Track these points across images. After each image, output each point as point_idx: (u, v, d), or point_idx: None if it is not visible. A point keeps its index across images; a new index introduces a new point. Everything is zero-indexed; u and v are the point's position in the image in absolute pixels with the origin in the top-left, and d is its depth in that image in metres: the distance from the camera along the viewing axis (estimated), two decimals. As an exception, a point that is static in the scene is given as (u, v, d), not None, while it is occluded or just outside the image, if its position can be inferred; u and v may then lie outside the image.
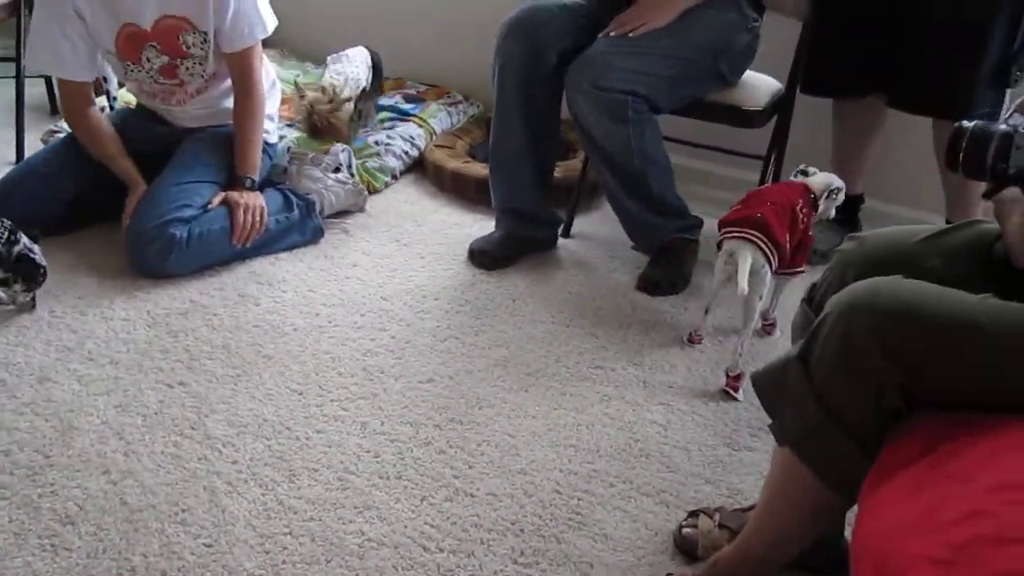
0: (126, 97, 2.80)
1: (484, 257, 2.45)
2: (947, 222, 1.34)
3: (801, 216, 2.03)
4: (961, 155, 1.21)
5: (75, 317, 2.12)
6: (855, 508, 1.11)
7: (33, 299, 2.12)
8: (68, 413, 1.80)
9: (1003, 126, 1.20)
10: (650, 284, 2.36)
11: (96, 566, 1.47)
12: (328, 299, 2.26)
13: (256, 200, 2.39)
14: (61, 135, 2.66)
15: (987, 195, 1.23)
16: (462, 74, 3.32)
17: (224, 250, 2.34)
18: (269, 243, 2.43)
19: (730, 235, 1.94)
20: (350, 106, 2.89)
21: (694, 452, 1.80)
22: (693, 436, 1.84)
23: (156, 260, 2.25)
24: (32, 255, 2.09)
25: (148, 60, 2.32)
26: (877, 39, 2.29)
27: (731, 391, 1.98)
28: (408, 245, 2.56)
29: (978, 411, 1.06)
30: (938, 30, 2.19)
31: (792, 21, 2.46)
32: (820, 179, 2.13)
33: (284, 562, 1.50)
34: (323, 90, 2.91)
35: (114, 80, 2.88)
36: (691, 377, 2.03)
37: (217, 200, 2.36)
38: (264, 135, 2.49)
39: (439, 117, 3.17)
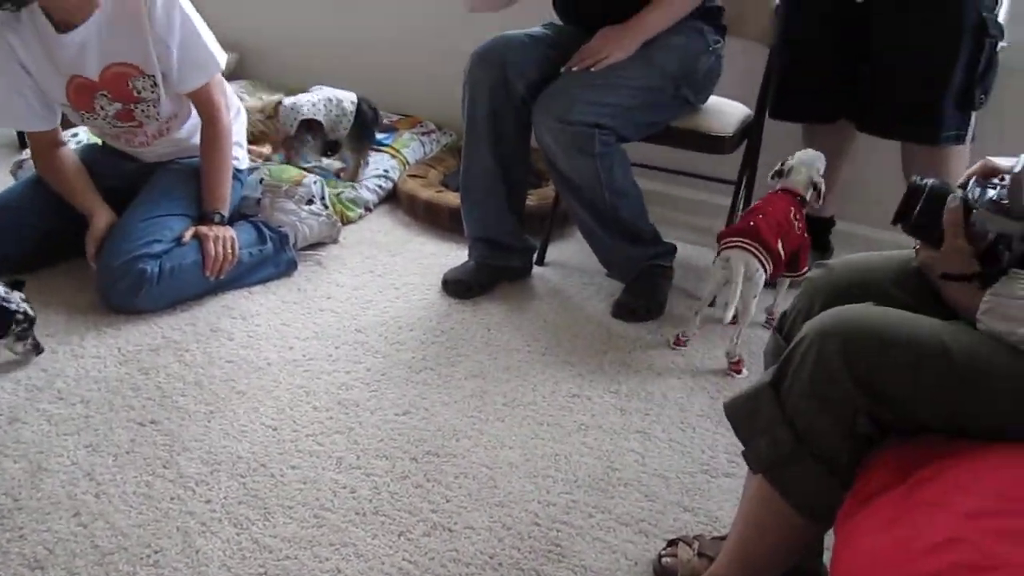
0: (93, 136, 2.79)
1: (458, 286, 2.45)
2: (915, 246, 1.36)
3: (796, 223, 2.16)
4: (916, 212, 1.23)
5: (45, 355, 2.09)
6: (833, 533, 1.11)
7: (33, 342, 2.06)
8: (37, 454, 1.78)
9: (961, 192, 1.22)
10: (625, 311, 2.37)
11: (66, 612, 1.44)
12: (302, 332, 2.24)
13: (226, 232, 2.37)
14: (29, 167, 2.64)
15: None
16: (434, 103, 3.34)
17: (197, 284, 2.32)
18: (242, 276, 2.41)
19: (727, 245, 2.09)
20: (290, 127, 2.89)
21: (672, 480, 1.79)
22: (671, 463, 1.84)
23: (126, 296, 2.23)
24: (6, 304, 2.00)
25: (102, 108, 2.31)
26: (844, 65, 2.32)
27: (734, 373, 2.15)
28: (382, 276, 2.55)
29: (949, 436, 1.06)
30: (905, 56, 2.22)
31: (760, 46, 2.49)
32: (801, 178, 2.21)
33: (259, 603, 1.48)
34: (264, 105, 2.94)
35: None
36: (667, 404, 2.03)
37: (188, 235, 2.34)
38: (234, 162, 2.48)
39: (412, 147, 3.18)
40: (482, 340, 2.24)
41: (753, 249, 2.06)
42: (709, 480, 1.80)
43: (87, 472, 1.73)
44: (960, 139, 2.26)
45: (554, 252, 2.70)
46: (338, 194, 2.85)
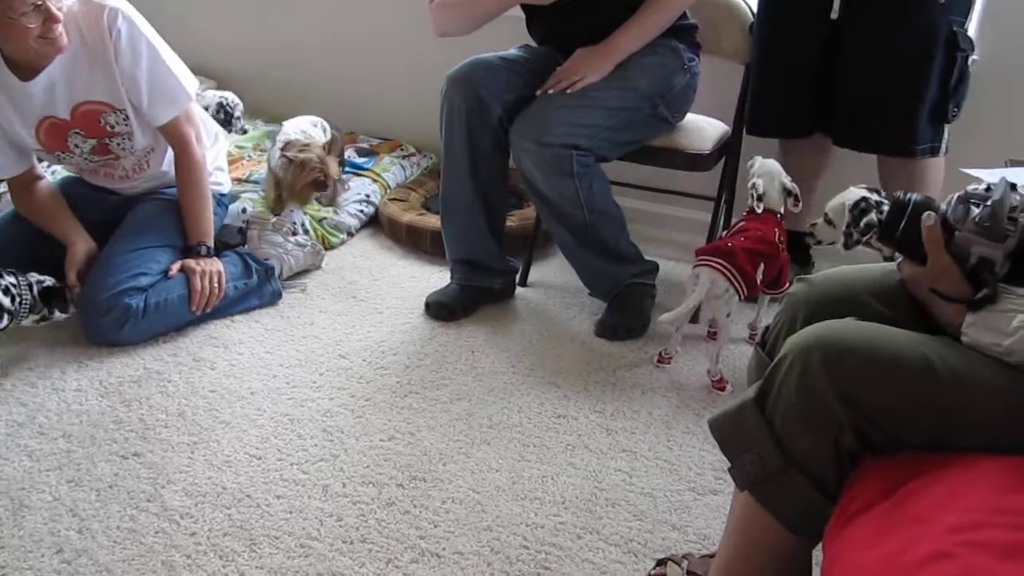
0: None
1: (441, 309, 2.44)
2: (897, 261, 1.37)
3: (781, 244, 2.19)
4: (900, 228, 1.24)
5: (24, 390, 2.07)
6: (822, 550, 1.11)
7: (74, 299, 2.22)
8: (19, 491, 1.75)
9: (942, 207, 1.23)
10: (609, 330, 2.37)
11: (50, 651, 1.42)
12: (286, 360, 2.23)
13: (213, 265, 2.36)
14: (6, 199, 2.62)
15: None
16: (413, 126, 3.34)
17: (181, 317, 2.31)
18: (226, 308, 2.40)
19: (699, 263, 2.12)
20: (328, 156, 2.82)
21: (660, 498, 1.79)
22: (658, 482, 1.84)
23: (110, 331, 2.21)
24: (44, 283, 2.15)
25: (76, 146, 2.29)
26: (818, 80, 2.34)
27: (718, 390, 2.16)
28: (365, 300, 2.54)
29: (934, 450, 1.07)
30: (878, 71, 2.24)
31: (736, 64, 2.51)
32: (775, 195, 2.22)
33: (247, 636, 1.46)
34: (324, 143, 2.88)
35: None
36: (653, 422, 2.03)
37: (175, 269, 2.32)
38: (215, 187, 2.47)
39: (392, 171, 3.18)
40: (466, 363, 2.24)
41: (723, 269, 2.07)
42: (697, 498, 1.80)
43: (70, 508, 1.71)
44: (935, 152, 2.29)
45: (536, 273, 2.71)
46: (320, 220, 2.85)
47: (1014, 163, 1.69)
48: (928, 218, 1.22)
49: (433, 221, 2.79)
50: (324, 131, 2.93)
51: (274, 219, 2.65)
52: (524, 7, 2.39)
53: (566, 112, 2.21)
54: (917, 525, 0.96)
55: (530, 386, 2.15)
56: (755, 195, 2.20)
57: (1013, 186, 1.17)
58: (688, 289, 2.15)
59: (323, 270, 2.70)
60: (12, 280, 2.08)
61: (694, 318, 2.27)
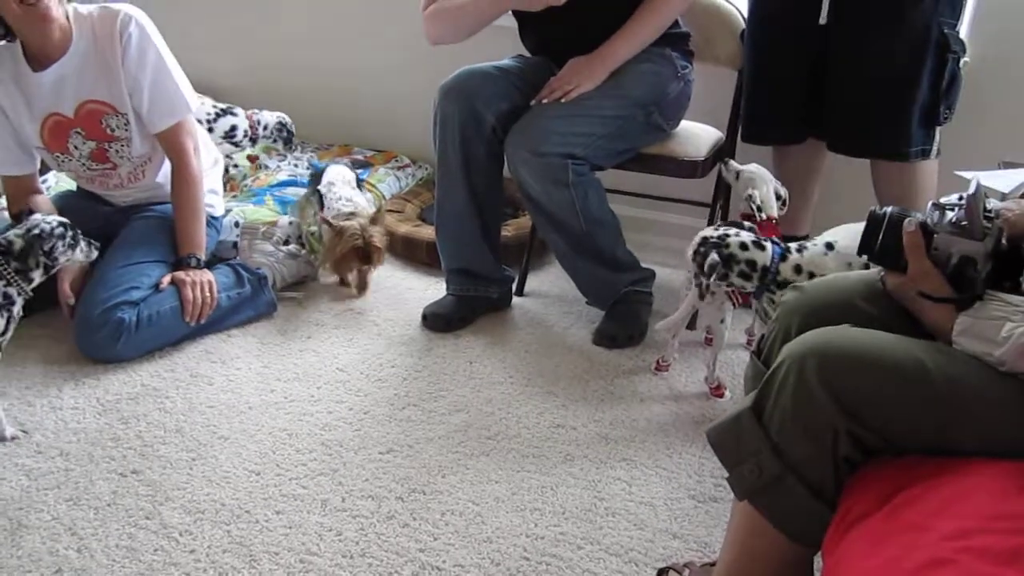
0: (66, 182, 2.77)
1: (438, 320, 2.44)
2: (880, 274, 1.38)
3: None
4: (879, 241, 1.25)
5: (22, 409, 2.06)
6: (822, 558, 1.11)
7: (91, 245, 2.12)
8: (17, 511, 1.75)
9: (920, 214, 1.24)
10: (606, 338, 2.37)
11: (50, 672, 1.41)
12: (283, 374, 2.23)
13: (203, 276, 2.36)
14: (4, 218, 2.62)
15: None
16: (409, 138, 3.35)
17: (176, 330, 2.31)
18: (222, 319, 2.40)
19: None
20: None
21: (660, 507, 1.79)
22: (658, 491, 1.83)
23: (104, 346, 2.21)
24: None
25: (76, 147, 2.32)
26: (810, 86, 2.34)
27: (715, 397, 2.17)
28: (362, 313, 2.54)
29: (930, 456, 1.07)
30: (869, 75, 2.24)
31: (730, 71, 2.51)
32: (771, 201, 2.23)
33: (247, 653, 1.45)
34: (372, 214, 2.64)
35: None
36: (652, 430, 2.03)
37: (165, 281, 2.33)
38: (209, 209, 2.47)
39: (388, 182, 3.18)
40: (464, 373, 2.24)
41: None
42: (697, 506, 1.79)
43: (68, 527, 1.71)
44: (927, 154, 2.29)
45: (533, 282, 2.71)
46: (314, 233, 2.85)
47: (1008, 165, 1.70)
48: (910, 224, 1.23)
49: (429, 232, 2.79)
50: (368, 201, 2.77)
51: (264, 227, 2.65)
52: (516, 15, 2.39)
53: (561, 121, 2.22)
54: (916, 532, 0.96)
55: (528, 396, 2.15)
56: (755, 206, 2.19)
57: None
58: (681, 295, 2.15)
59: (319, 282, 2.70)
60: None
61: (691, 325, 2.27)
